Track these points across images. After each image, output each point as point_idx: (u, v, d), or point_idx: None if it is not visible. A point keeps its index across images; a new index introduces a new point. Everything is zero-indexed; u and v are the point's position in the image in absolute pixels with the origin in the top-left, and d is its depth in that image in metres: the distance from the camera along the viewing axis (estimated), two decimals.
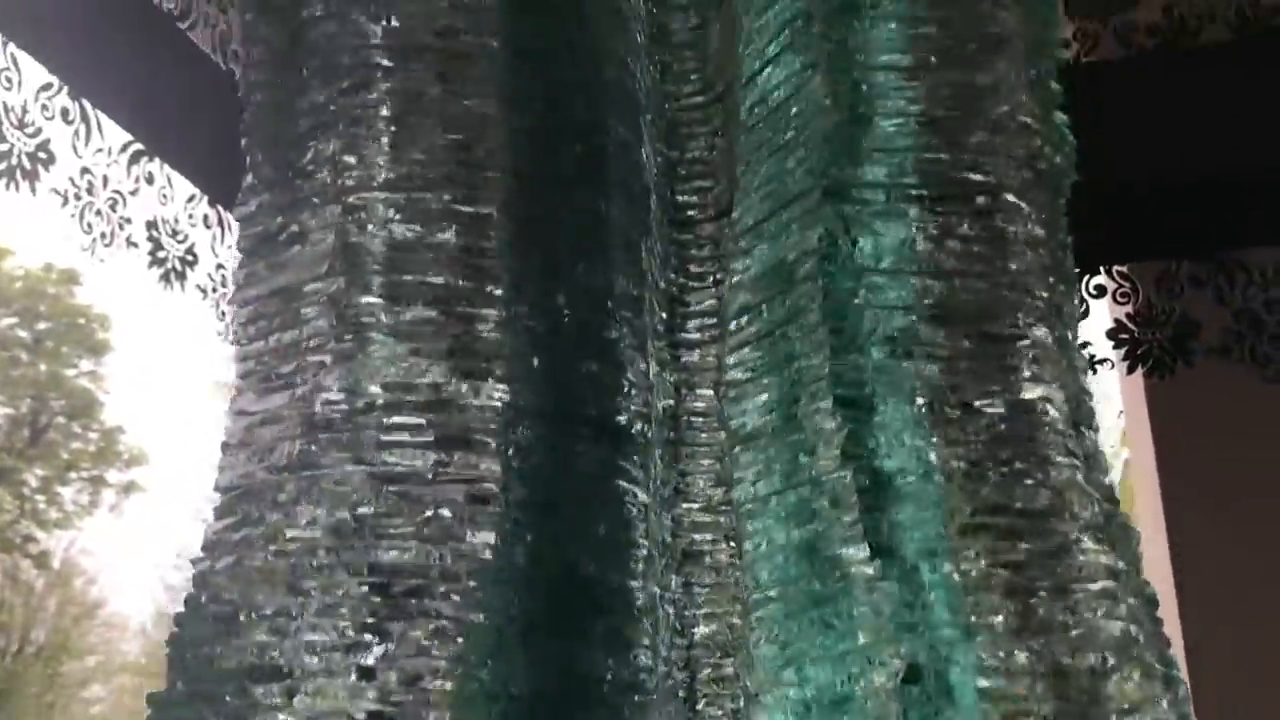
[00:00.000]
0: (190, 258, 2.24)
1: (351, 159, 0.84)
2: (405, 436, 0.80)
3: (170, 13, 2.22)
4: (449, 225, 0.82)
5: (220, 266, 2.33)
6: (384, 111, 0.84)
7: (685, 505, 1.01)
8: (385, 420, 0.81)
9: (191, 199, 2.28)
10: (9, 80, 1.87)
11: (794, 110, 0.87)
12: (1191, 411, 2.46)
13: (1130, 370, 2.16)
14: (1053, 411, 0.83)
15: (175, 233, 2.20)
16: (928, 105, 0.86)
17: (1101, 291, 2.20)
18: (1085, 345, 2.20)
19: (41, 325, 13.36)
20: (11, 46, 1.88)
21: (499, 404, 0.81)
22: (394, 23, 0.84)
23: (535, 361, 0.84)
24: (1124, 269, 2.22)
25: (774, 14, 0.89)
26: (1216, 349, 2.10)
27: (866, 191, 0.84)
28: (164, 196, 2.19)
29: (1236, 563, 2.69)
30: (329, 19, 0.86)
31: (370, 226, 0.83)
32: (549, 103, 0.87)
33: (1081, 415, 0.87)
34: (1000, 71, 0.90)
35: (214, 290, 2.30)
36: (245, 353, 0.92)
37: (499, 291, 0.83)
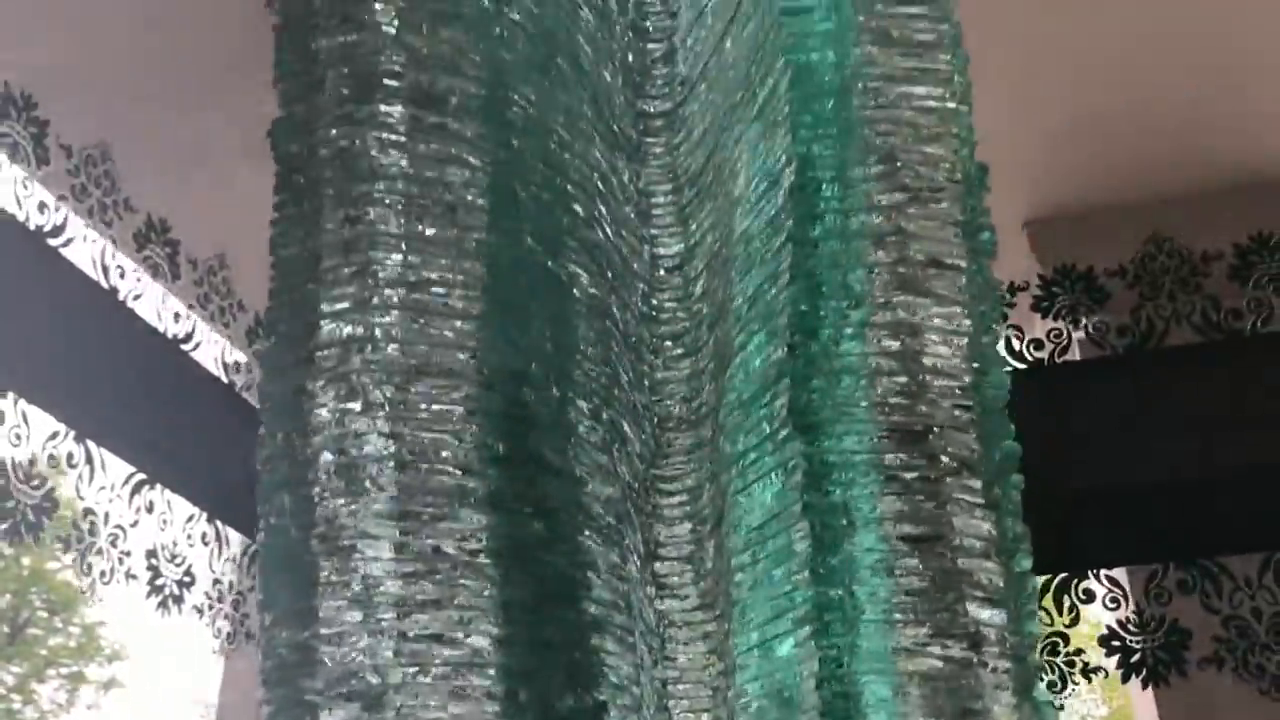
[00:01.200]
0: (188, 579, 2.26)
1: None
2: None
3: (175, 338, 2.30)
4: None
5: (217, 582, 2.35)
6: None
7: None
8: None
9: (190, 519, 2.31)
10: (18, 436, 1.91)
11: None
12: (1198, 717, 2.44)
13: (1125, 679, 2.18)
14: None
15: (174, 557, 2.22)
16: None
17: (1090, 596, 2.23)
18: (1079, 652, 2.23)
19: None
20: (22, 403, 1.94)
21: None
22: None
23: None
24: (1111, 574, 2.26)
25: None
26: (1210, 658, 2.12)
27: None
28: (163, 522, 2.22)
29: None
30: None
31: None
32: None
33: None
34: None
35: (210, 608, 2.31)
36: None
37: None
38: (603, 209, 1.02)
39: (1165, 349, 2.40)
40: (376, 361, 0.83)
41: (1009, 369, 2.40)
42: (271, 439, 0.84)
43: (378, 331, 0.84)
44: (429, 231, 0.87)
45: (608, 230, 1.02)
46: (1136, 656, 2.17)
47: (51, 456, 1.99)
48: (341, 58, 0.89)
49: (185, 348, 2.32)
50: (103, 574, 2.05)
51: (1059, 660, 2.22)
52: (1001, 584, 0.82)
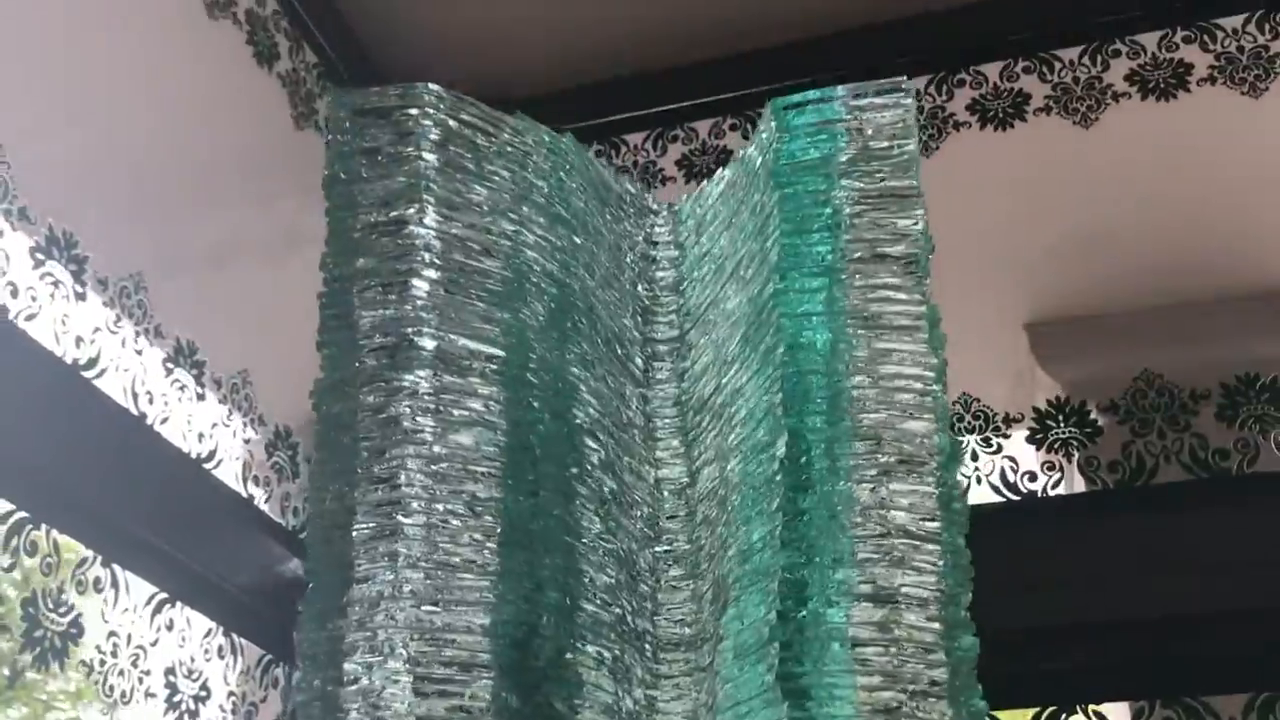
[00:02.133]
0: (204, 693, 2.33)
1: None
2: None
3: (199, 457, 2.38)
4: None
5: (231, 694, 2.42)
6: None
7: None
8: None
9: (208, 634, 2.39)
10: (49, 565, 2.00)
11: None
12: None
13: None
14: None
15: (190, 672, 2.30)
16: None
17: None
18: None
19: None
20: (54, 532, 2.02)
21: None
22: None
23: None
24: (1099, 709, 2.32)
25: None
26: None
27: None
28: (182, 639, 2.30)
29: None
30: None
31: None
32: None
33: None
34: None
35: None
36: None
37: None
38: (611, 444, 1.11)
39: (1154, 486, 2.50)
40: (400, 619, 0.92)
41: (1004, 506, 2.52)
42: (309, 686, 0.93)
43: (405, 588, 0.93)
44: (449, 491, 0.96)
45: (616, 465, 1.11)
46: None
47: (79, 582, 2.07)
48: (379, 328, 0.99)
49: (208, 466, 2.40)
50: (123, 694, 2.13)
51: None
52: None
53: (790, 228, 1.03)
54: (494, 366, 1.00)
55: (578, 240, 1.13)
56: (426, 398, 0.97)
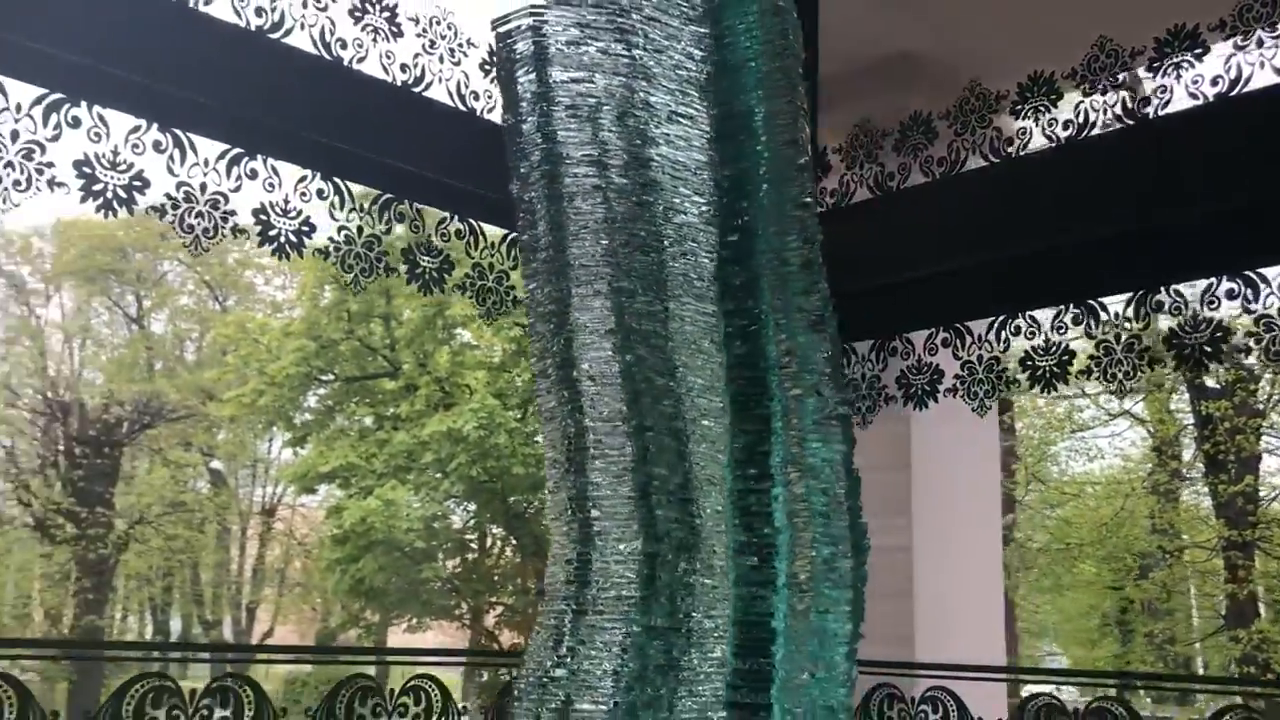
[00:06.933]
0: (446, 266, 2.96)
1: None
2: None
3: (406, 84, 2.88)
4: None
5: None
6: None
7: None
8: None
9: (444, 219, 3.00)
10: (270, 185, 2.67)
11: None
12: None
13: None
14: None
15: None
16: None
17: None
18: None
19: None
20: (271, 160, 2.67)
21: None
22: None
23: None
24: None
25: None
26: None
27: None
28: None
29: None
30: None
31: None
32: None
33: None
34: None
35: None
36: None
37: None
38: None
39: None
40: None
41: None
42: None
43: None
44: None
45: None
46: None
47: (303, 194, 2.74)
48: None
49: (416, 90, 2.90)
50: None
51: None
52: None
53: None
54: None
55: None
56: None
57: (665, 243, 1.89)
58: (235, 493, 21.64)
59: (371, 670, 2.81)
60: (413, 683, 2.71)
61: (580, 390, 1.85)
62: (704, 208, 1.90)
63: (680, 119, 1.94)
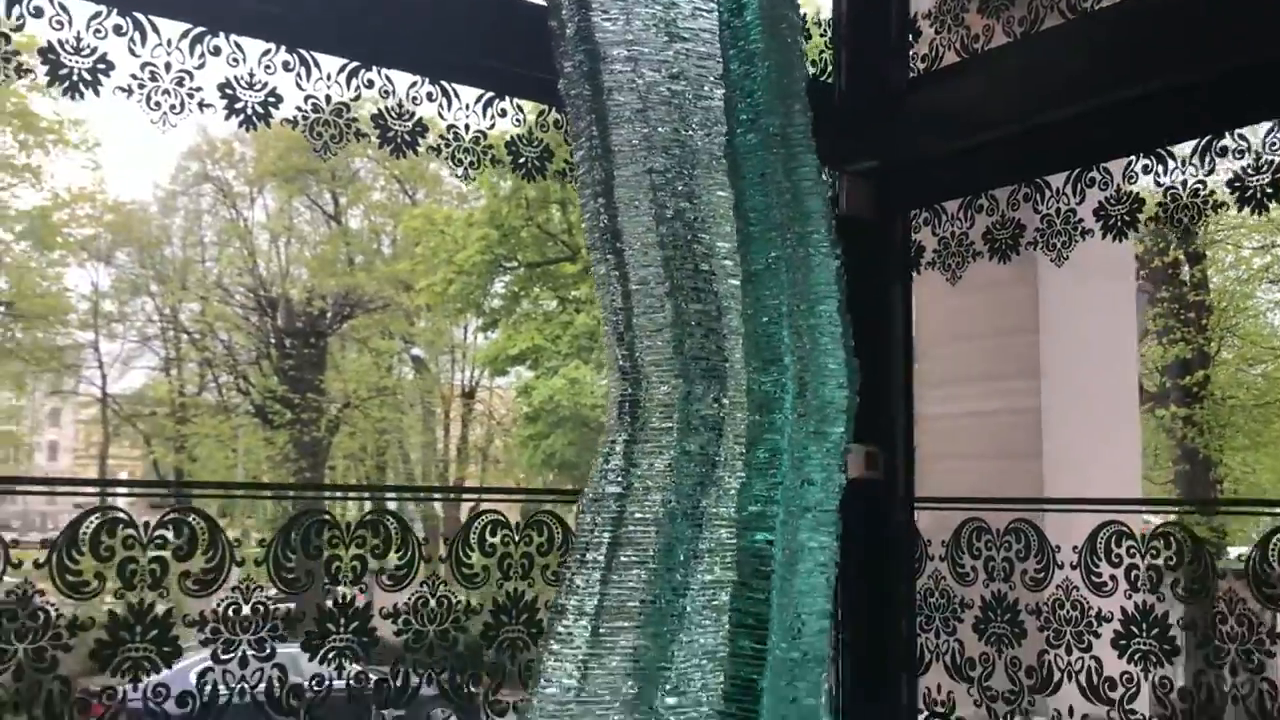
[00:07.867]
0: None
1: None
2: None
3: None
4: None
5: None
6: None
7: None
8: None
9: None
10: (385, 92, 3.04)
11: None
12: None
13: None
14: None
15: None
16: None
17: None
18: None
19: None
20: (390, 71, 3.03)
21: None
22: None
23: None
24: None
25: None
26: None
27: None
28: (510, 118, 3.22)
29: None
30: None
31: None
32: None
33: None
34: None
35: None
36: None
37: None
38: None
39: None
40: None
41: None
42: None
43: None
44: None
45: None
46: None
47: (414, 98, 3.10)
48: None
49: None
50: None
51: None
52: None
53: None
54: None
55: None
56: None
57: (691, 127, 2.18)
58: (437, 377, 22.91)
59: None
60: (536, 517, 3.15)
61: (625, 258, 2.17)
62: (723, 94, 2.18)
63: (702, 13, 2.20)
